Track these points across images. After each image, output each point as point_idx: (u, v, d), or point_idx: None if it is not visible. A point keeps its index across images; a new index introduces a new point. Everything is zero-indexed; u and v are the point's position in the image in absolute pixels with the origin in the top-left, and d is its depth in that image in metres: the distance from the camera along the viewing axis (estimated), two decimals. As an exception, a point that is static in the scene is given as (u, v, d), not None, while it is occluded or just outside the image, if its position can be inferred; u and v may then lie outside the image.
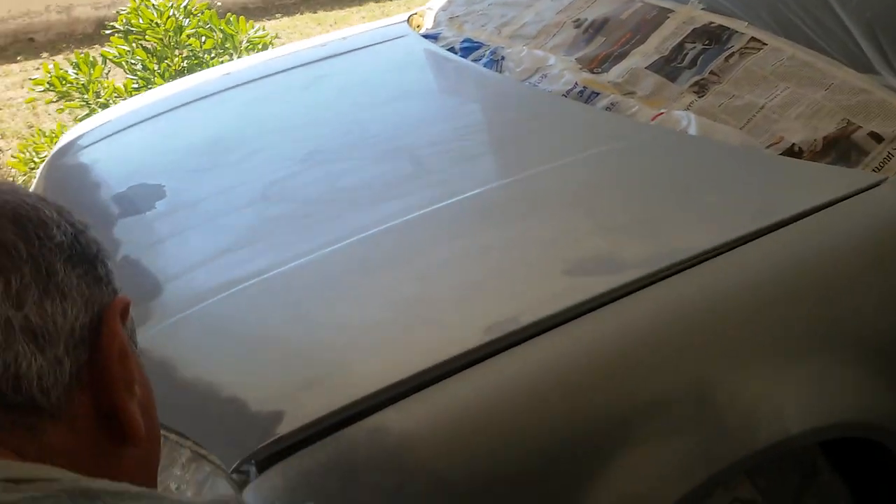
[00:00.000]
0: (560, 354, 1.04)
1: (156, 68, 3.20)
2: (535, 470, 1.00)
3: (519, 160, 1.45)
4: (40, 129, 3.42)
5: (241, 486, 1.00)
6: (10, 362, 0.46)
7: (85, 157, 1.83)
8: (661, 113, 1.54)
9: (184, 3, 3.37)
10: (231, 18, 3.45)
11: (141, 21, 3.26)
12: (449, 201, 1.33)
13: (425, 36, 2.06)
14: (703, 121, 1.49)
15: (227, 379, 1.07)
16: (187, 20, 3.33)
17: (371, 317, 1.11)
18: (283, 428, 0.98)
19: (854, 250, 1.21)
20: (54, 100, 3.31)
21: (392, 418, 0.99)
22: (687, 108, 1.55)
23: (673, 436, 1.05)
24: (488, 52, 1.87)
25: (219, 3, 5.07)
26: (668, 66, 1.65)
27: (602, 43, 1.79)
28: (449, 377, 1.01)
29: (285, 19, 6.14)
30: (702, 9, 1.72)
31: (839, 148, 1.36)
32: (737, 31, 1.63)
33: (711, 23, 1.68)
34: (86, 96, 3.15)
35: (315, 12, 6.29)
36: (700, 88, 1.59)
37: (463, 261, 1.19)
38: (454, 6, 2.17)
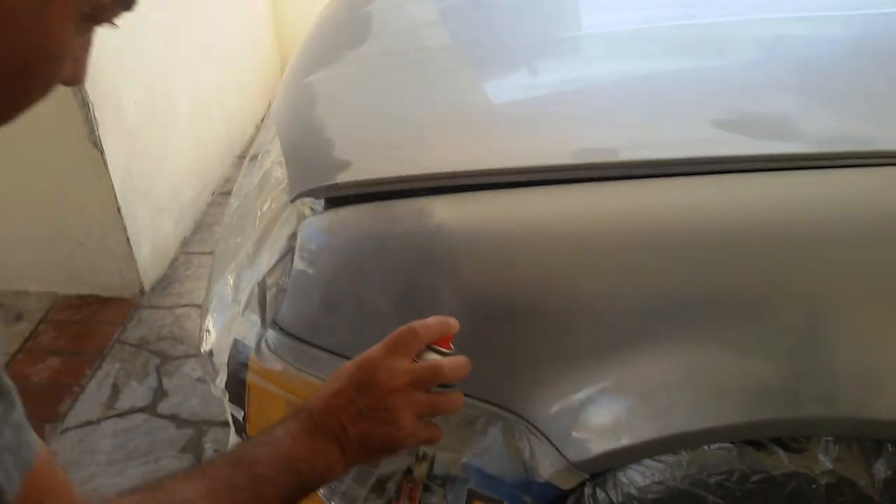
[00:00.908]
0: (637, 207, 0.89)
1: None
2: (559, 315, 0.91)
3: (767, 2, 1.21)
4: None
5: (302, 217, 1.06)
6: None
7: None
8: None
9: None
10: None
11: None
12: (660, 24, 1.17)
13: None
14: None
15: (331, 122, 1.10)
16: None
17: (477, 107, 1.05)
18: (343, 177, 1.00)
19: None
20: None
21: (439, 206, 0.95)
22: None
23: (763, 352, 0.87)
24: None
25: None
26: None
27: None
28: (511, 187, 0.93)
29: None
30: None
31: None
32: None
33: None
34: None
35: None
36: None
37: (612, 85, 1.06)
38: None
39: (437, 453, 1.03)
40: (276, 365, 1.08)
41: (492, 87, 1.14)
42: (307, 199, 1.08)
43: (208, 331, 1.25)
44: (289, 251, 1.08)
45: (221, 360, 1.16)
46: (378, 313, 0.99)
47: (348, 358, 1.06)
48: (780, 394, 0.85)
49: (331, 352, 1.05)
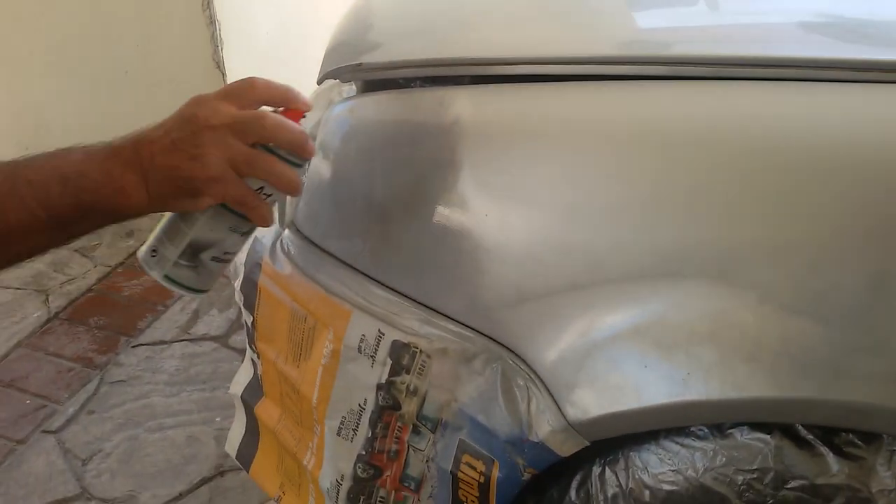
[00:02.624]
0: (687, 112, 0.77)
1: None
2: (573, 233, 0.81)
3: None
4: None
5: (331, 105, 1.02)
6: None
7: None
8: None
9: None
10: None
11: None
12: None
13: None
14: None
15: (380, 8, 1.07)
16: None
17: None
18: (368, 59, 0.95)
19: None
20: None
21: (460, 97, 0.87)
22: None
23: (813, 311, 0.72)
24: None
25: None
26: None
27: None
28: (544, 80, 0.84)
29: None
30: None
31: None
32: None
33: None
34: None
35: None
36: None
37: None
38: None
39: (429, 389, 0.95)
40: (286, 268, 1.05)
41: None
42: (341, 88, 1.04)
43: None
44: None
45: (241, 258, 1.14)
46: (386, 215, 0.93)
47: (352, 267, 1.01)
48: (827, 368, 0.70)
49: (337, 258, 1.00)
